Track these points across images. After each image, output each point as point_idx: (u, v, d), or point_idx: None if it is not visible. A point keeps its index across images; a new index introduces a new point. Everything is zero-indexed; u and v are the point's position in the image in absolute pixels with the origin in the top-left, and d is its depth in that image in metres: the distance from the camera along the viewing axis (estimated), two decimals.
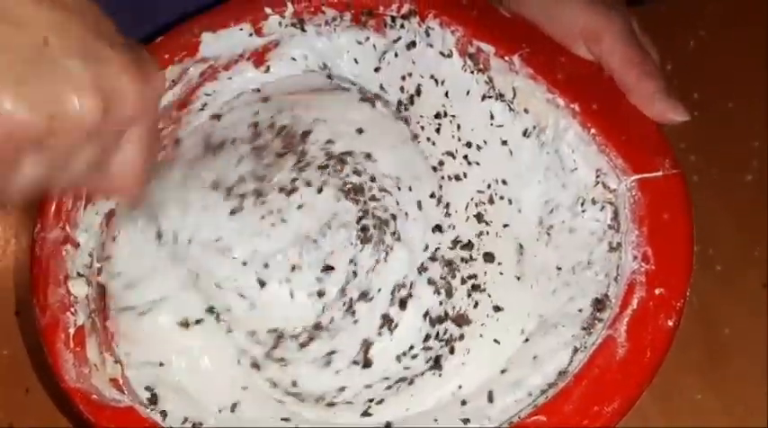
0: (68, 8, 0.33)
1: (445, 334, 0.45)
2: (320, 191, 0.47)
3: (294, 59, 0.54)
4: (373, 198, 0.47)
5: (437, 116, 0.51)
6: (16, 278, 0.60)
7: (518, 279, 0.46)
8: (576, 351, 0.42)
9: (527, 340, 0.44)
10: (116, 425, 0.39)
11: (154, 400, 0.44)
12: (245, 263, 0.46)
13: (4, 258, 0.61)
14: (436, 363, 0.44)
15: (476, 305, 0.46)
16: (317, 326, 0.45)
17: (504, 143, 0.49)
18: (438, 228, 0.48)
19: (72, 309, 0.44)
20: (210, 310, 0.46)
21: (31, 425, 0.54)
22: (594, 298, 0.44)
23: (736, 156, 0.59)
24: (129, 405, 0.40)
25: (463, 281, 0.46)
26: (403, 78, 0.52)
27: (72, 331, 0.43)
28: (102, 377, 0.43)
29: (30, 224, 0.60)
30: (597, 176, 0.46)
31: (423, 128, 0.51)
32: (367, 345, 0.45)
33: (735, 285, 0.54)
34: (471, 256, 0.47)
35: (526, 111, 0.49)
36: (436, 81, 0.51)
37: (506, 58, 0.49)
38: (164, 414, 0.43)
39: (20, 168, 0.33)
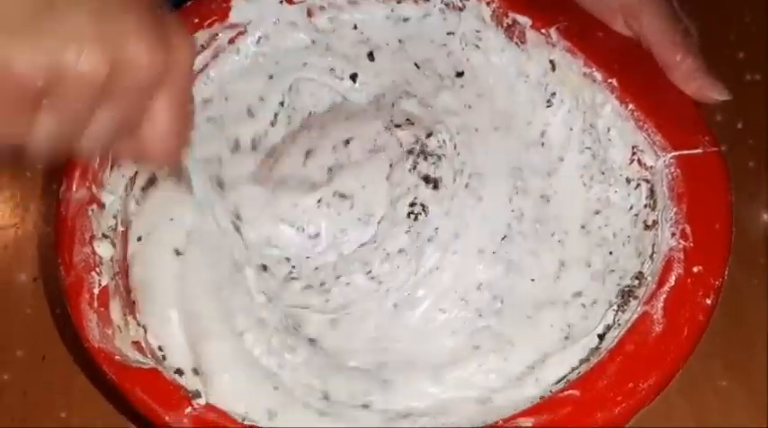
0: None
1: None
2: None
3: None
4: None
5: None
6: (34, 244, 0.59)
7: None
8: (609, 328, 0.41)
9: None
10: (140, 386, 0.39)
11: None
12: None
13: (22, 225, 0.60)
14: None
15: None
16: None
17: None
18: None
19: (97, 270, 0.43)
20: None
21: (45, 392, 0.53)
22: (629, 276, 0.43)
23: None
24: (153, 366, 0.40)
25: None
26: None
27: (96, 291, 0.42)
28: (125, 339, 0.42)
29: (48, 191, 0.59)
30: (633, 154, 0.45)
31: None
32: None
33: (761, 269, 0.53)
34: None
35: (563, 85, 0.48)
36: None
37: (543, 31, 0.48)
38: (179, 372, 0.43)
39: (34, 122, 0.33)
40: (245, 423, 0.38)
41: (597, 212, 0.46)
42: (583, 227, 0.46)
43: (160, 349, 0.44)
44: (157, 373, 0.39)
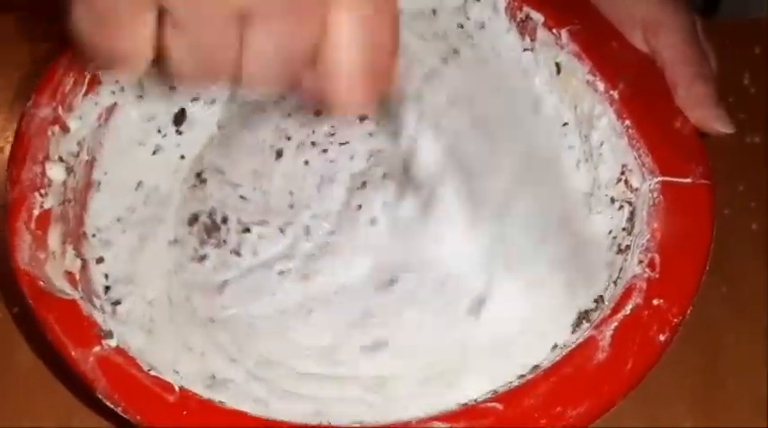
0: None
1: None
2: None
3: None
4: None
5: None
6: None
7: None
8: (555, 347, 0.39)
9: None
10: (54, 316, 0.37)
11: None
12: None
13: (6, 147, 0.59)
14: None
15: None
16: None
17: None
18: None
19: (42, 191, 0.41)
20: None
21: None
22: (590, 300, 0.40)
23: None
24: (73, 298, 0.38)
25: None
26: None
27: (37, 212, 0.40)
28: (57, 267, 0.40)
29: None
30: (622, 173, 0.43)
31: None
32: None
33: (740, 311, 0.49)
34: None
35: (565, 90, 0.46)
36: None
37: (554, 31, 0.46)
38: (115, 303, 0.42)
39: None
40: (152, 373, 0.36)
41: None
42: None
43: (106, 277, 0.43)
44: (76, 306, 0.38)
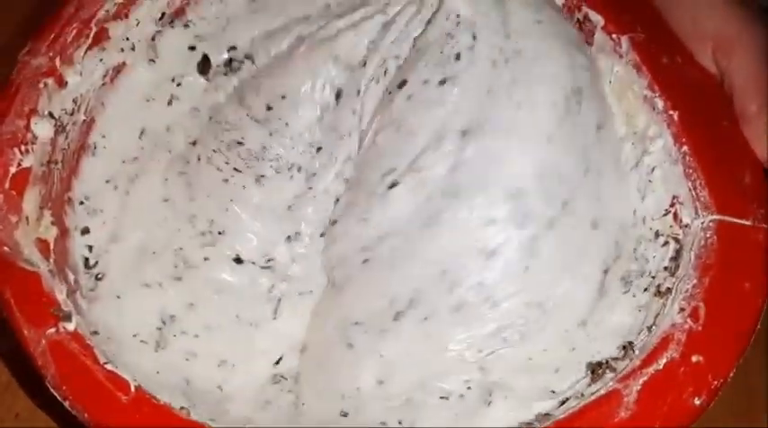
0: None
1: None
2: None
3: None
4: None
5: None
6: None
7: None
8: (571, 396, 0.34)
9: None
10: (11, 288, 0.33)
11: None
12: None
13: None
14: None
15: None
16: None
17: None
18: None
19: (23, 148, 0.37)
20: None
21: None
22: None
23: None
24: (37, 270, 0.34)
25: None
26: None
27: (13, 170, 0.37)
28: (29, 233, 0.36)
29: None
30: (672, 205, 0.38)
31: None
32: None
33: None
34: None
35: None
36: None
37: (614, 37, 0.40)
38: (99, 278, 0.39)
39: None
40: (108, 367, 0.31)
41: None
42: (583, 323, 0.37)
43: (90, 249, 0.40)
44: (38, 279, 0.33)
